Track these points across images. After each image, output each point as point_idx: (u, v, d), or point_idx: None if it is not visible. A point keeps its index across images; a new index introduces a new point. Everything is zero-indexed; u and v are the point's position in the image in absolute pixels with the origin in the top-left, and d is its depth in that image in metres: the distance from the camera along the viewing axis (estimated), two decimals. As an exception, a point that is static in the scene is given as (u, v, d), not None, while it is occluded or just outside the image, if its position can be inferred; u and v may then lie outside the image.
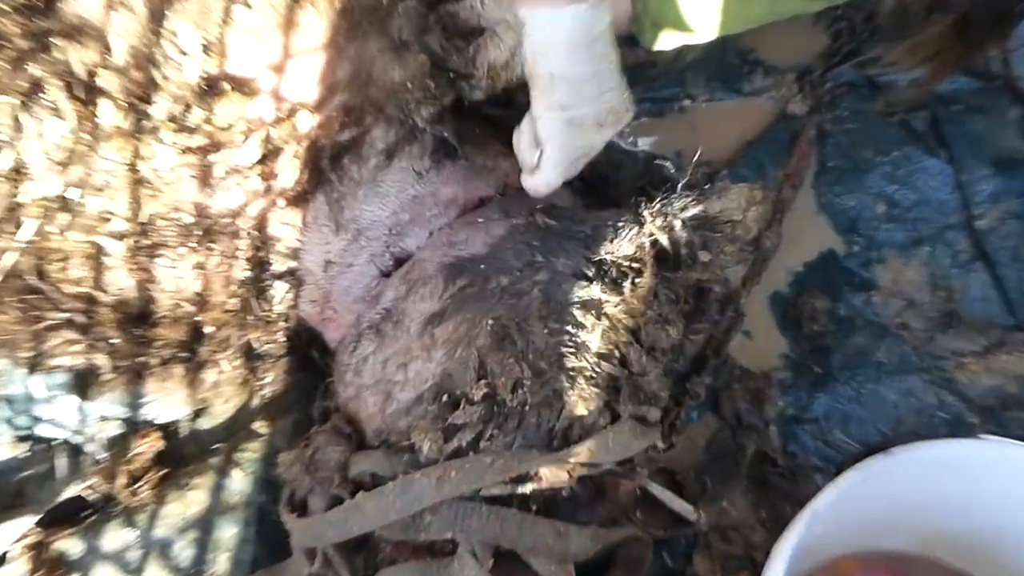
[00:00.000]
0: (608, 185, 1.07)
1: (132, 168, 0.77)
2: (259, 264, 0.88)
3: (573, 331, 0.82)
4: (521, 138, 0.88)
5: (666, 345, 0.85)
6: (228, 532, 0.95)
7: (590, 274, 0.85)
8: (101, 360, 0.84)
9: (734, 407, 1.11)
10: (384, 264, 0.95)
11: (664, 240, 0.86)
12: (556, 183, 0.88)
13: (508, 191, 0.98)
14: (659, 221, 0.87)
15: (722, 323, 0.98)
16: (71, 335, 0.82)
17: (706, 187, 0.93)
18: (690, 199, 0.87)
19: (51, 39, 0.72)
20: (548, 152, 0.85)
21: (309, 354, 0.99)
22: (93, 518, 0.96)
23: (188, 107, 0.77)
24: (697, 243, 0.87)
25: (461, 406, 0.80)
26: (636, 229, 0.87)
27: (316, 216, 0.90)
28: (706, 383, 0.91)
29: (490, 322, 0.82)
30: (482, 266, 0.86)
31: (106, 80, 0.75)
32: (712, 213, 0.88)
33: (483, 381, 0.81)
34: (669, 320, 0.85)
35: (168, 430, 0.98)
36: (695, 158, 1.17)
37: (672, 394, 0.87)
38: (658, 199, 0.88)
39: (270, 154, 0.83)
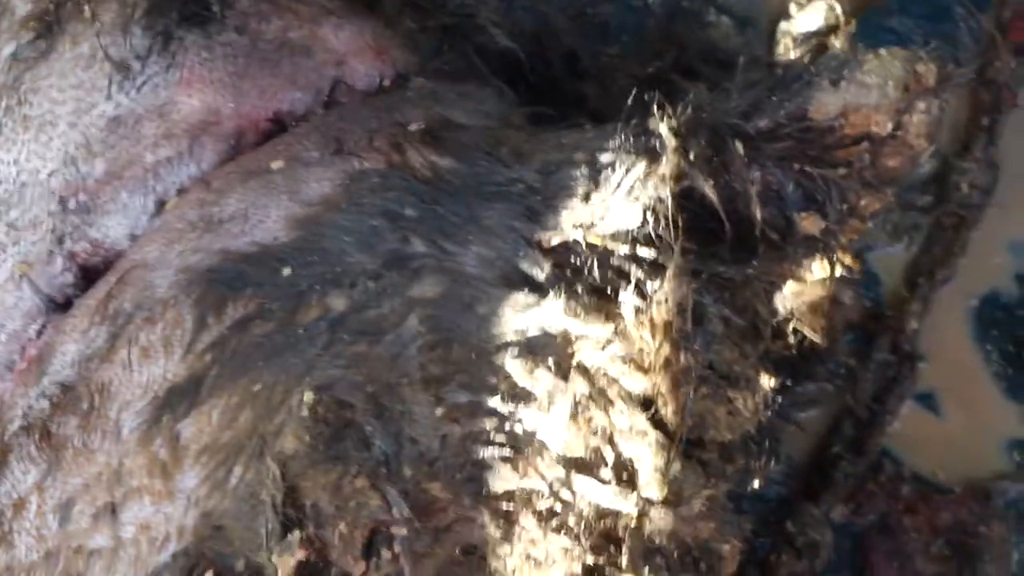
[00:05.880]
0: (579, 75, 0.76)
1: None
2: None
3: (504, 409, 0.56)
4: None
5: (727, 437, 0.59)
6: None
7: (540, 276, 0.59)
8: None
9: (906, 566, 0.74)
10: (53, 282, 0.67)
11: (708, 188, 0.57)
12: None
13: (343, 95, 0.68)
14: (696, 143, 0.56)
15: (864, 380, 0.74)
16: None
17: (808, 66, 0.60)
18: (771, 90, 0.58)
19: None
20: None
21: None
22: None
23: None
24: (791, 191, 0.60)
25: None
26: (643, 166, 0.57)
27: None
28: (830, 519, 0.68)
29: (308, 397, 0.56)
30: (285, 270, 0.60)
31: None
32: (824, 117, 0.58)
33: (297, 534, 0.55)
34: (733, 378, 0.59)
35: None
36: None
37: (747, 553, 0.63)
38: (694, 94, 0.58)
39: None
